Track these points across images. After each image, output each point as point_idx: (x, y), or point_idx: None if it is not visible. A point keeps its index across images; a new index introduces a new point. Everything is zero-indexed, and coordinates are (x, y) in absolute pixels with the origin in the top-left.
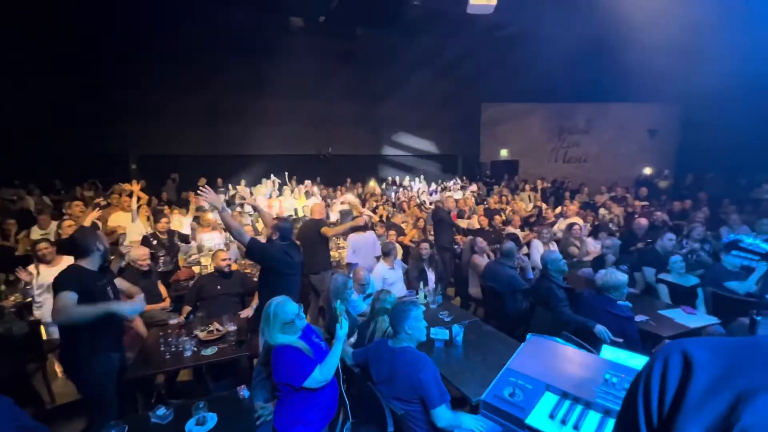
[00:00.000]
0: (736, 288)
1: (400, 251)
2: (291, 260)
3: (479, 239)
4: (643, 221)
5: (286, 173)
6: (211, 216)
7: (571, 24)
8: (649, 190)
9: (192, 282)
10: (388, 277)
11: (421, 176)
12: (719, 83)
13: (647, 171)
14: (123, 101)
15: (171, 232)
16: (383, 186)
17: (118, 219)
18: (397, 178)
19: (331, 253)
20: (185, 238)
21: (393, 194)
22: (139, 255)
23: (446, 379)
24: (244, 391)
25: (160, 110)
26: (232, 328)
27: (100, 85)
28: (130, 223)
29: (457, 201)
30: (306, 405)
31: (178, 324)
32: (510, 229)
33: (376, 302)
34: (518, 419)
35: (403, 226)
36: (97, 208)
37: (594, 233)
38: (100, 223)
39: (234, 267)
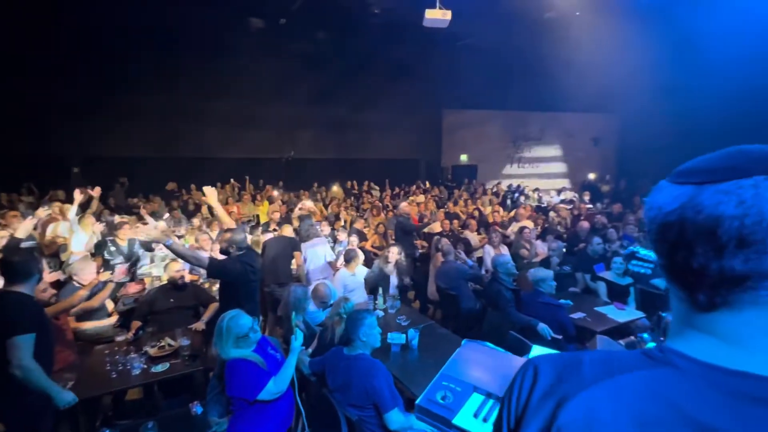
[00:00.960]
0: (659, 284)
1: (361, 257)
2: (252, 269)
3: (444, 240)
4: (585, 224)
5: (247, 177)
6: (164, 223)
7: (522, 38)
8: (593, 194)
9: (142, 295)
10: (350, 283)
11: (386, 180)
12: (650, 97)
13: (592, 176)
14: (64, 99)
15: (131, 240)
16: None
17: (57, 228)
18: (355, 183)
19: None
20: (149, 246)
21: (354, 198)
22: (83, 269)
23: (401, 381)
24: (196, 408)
25: (106, 109)
26: (185, 342)
27: (39, 81)
28: (71, 233)
29: (419, 205)
30: (261, 417)
31: (126, 341)
32: (467, 233)
33: (335, 310)
34: (446, 420)
35: (365, 231)
36: (31, 217)
37: (542, 236)
38: (38, 233)
39: (191, 277)
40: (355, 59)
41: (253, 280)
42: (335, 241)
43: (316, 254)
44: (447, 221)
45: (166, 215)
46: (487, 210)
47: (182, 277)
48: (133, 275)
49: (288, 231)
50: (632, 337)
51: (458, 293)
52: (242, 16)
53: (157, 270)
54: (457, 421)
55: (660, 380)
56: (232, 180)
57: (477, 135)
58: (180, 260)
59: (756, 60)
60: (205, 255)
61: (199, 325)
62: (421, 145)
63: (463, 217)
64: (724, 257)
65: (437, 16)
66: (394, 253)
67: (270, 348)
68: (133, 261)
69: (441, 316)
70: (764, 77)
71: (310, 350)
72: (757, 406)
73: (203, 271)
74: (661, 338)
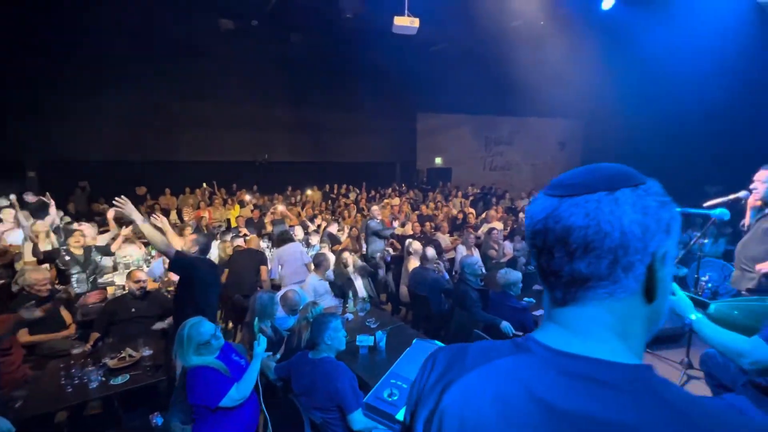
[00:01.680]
0: None
1: (332, 261)
2: (216, 271)
3: (415, 242)
4: None
5: (215, 182)
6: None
7: (491, 46)
8: None
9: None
10: (319, 288)
11: (363, 183)
12: (611, 105)
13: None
14: (19, 98)
15: (87, 248)
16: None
17: (10, 236)
18: (335, 186)
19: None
20: (106, 251)
21: (332, 201)
22: (37, 279)
23: (368, 383)
24: (157, 419)
25: (67, 110)
26: (147, 352)
27: None
28: (26, 242)
29: (392, 207)
30: (224, 423)
31: (83, 353)
32: (439, 235)
33: (303, 314)
34: (391, 416)
35: (339, 234)
36: None
37: (510, 236)
38: None
39: (154, 286)
40: (330, 62)
41: (214, 284)
42: (308, 245)
43: (292, 258)
44: (418, 224)
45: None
46: (455, 212)
47: (142, 288)
48: (93, 284)
49: (255, 243)
50: None
51: (428, 296)
52: (213, 16)
53: (120, 278)
54: (401, 415)
55: (518, 364)
56: (204, 184)
57: (451, 138)
58: (142, 269)
59: (705, 75)
60: (173, 246)
61: (161, 324)
62: (397, 148)
63: (441, 217)
64: (574, 261)
65: (405, 23)
66: (348, 257)
67: (234, 354)
68: (92, 270)
69: (412, 318)
70: (712, 90)
71: (278, 356)
72: (583, 382)
73: (161, 281)
74: None
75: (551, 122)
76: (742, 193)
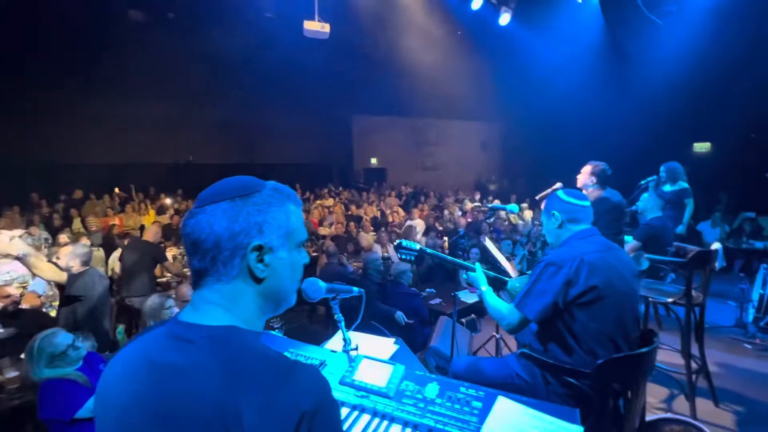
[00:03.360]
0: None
1: None
2: (105, 281)
3: (328, 242)
4: (462, 220)
5: (132, 186)
6: (19, 240)
7: (410, 51)
8: (482, 192)
9: None
10: None
11: (297, 185)
12: (522, 108)
13: (481, 177)
14: None
15: None
16: None
17: None
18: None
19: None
20: None
21: None
22: None
23: None
24: None
25: None
26: (12, 374)
27: None
28: None
29: (324, 209)
30: None
31: None
32: (362, 234)
33: None
34: None
35: None
36: None
37: (426, 233)
38: None
39: (32, 303)
40: (255, 61)
41: (104, 296)
42: None
43: None
44: (339, 224)
45: (21, 231)
46: (387, 211)
47: (15, 302)
48: None
49: (151, 234)
50: (473, 315)
51: None
52: (121, 6)
53: None
54: None
55: (153, 334)
56: (116, 189)
57: (385, 140)
58: (10, 285)
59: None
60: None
61: None
62: (333, 150)
63: (367, 218)
64: (192, 258)
65: (316, 27)
66: None
67: (102, 365)
68: None
69: (325, 313)
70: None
71: None
72: (177, 341)
73: (47, 295)
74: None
75: (473, 125)
76: (558, 185)
